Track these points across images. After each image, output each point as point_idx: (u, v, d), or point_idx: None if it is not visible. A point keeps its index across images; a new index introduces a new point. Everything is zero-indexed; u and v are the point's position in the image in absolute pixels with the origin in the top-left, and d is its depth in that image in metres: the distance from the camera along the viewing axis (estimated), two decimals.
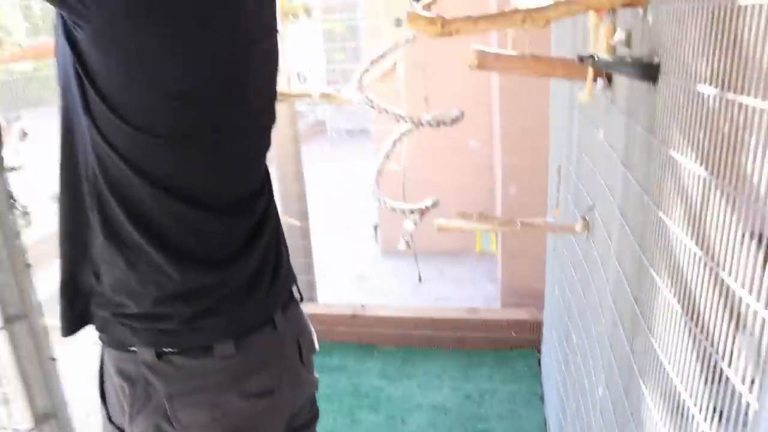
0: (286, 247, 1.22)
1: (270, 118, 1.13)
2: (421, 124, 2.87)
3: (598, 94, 1.68)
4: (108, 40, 0.86)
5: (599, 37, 1.50)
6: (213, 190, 1.01)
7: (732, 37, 0.78)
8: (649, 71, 1.13)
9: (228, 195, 1.04)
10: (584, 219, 1.93)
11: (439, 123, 2.85)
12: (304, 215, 3.51)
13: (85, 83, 0.88)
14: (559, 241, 2.74)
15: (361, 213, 5.44)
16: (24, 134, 4.17)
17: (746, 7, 0.73)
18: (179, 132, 0.93)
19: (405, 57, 2.96)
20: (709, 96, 0.88)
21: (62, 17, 0.88)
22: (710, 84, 0.88)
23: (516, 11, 1.29)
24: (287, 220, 3.35)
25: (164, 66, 0.88)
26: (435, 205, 3.18)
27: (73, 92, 0.91)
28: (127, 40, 0.86)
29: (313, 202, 3.72)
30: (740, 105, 0.76)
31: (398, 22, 3.21)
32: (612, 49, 1.42)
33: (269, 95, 1.12)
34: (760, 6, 0.69)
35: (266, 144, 1.14)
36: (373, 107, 2.84)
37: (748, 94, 0.74)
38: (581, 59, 1.20)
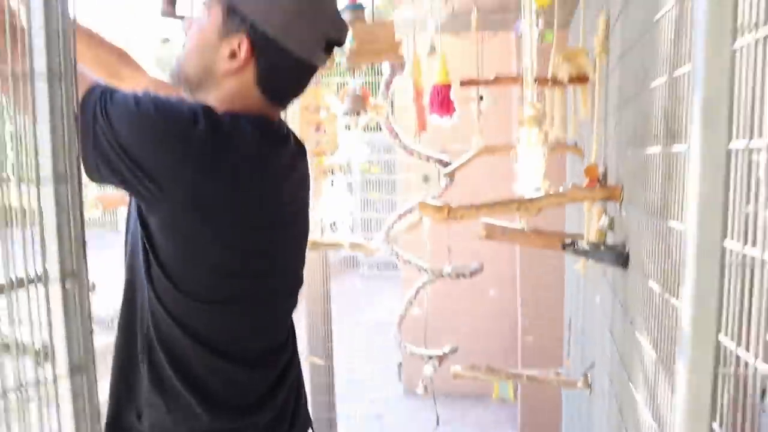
0: (304, 392, 1.38)
1: (298, 282, 1.33)
2: (442, 276, 3.09)
3: (592, 265, 1.90)
4: (170, 226, 1.06)
5: (592, 219, 1.74)
6: (244, 346, 1.19)
7: (673, 248, 1.00)
8: (620, 259, 1.34)
9: (257, 349, 1.21)
10: (585, 376, 2.08)
11: (458, 275, 3.07)
12: (329, 354, 3.67)
13: (150, 254, 1.08)
14: (570, 391, 2.84)
15: (387, 349, 5.54)
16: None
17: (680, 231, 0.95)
18: (220, 299, 1.13)
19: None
20: (656, 294, 1.08)
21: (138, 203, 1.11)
22: (657, 283, 1.08)
23: (512, 201, 1.55)
24: (312, 360, 3.50)
25: (212, 249, 1.09)
26: (453, 351, 3.33)
27: (139, 258, 1.11)
28: (185, 228, 1.06)
29: (340, 337, 3.87)
30: (673, 306, 0.96)
31: (426, 179, 3.52)
32: (599, 232, 1.65)
33: (299, 264, 1.33)
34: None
35: (294, 304, 1.34)
36: (398, 258, 3.08)
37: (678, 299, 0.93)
38: (563, 246, 1.43)
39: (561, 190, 1.54)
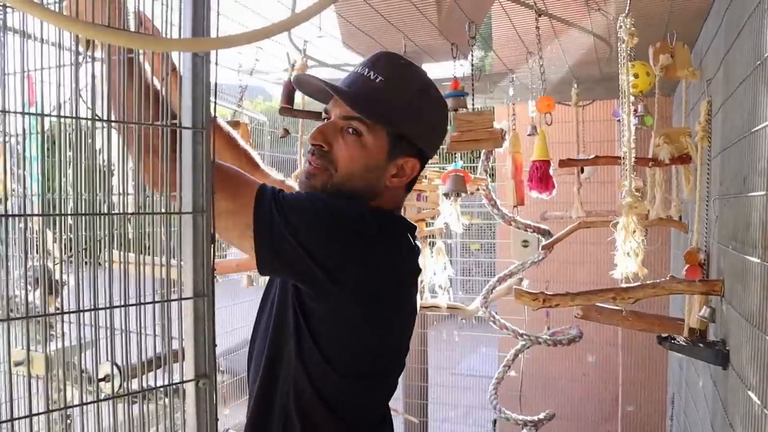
0: None
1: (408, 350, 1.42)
2: (539, 342, 3.08)
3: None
4: (335, 314, 1.14)
5: (693, 307, 1.73)
6: (373, 412, 1.28)
7: None
8: (720, 358, 1.34)
9: (380, 412, 1.31)
10: None
11: (555, 343, 3.05)
12: (423, 410, 3.71)
13: (304, 335, 1.15)
14: None
15: (482, 403, 5.49)
16: None
17: None
18: (367, 374, 1.21)
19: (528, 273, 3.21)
20: (756, 404, 1.09)
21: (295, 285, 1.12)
22: (757, 396, 1.09)
23: (608, 290, 1.58)
24: (406, 417, 3.55)
25: (371, 334, 1.18)
26: (550, 418, 3.29)
27: (287, 337, 1.18)
28: (350, 316, 1.15)
29: (435, 389, 3.88)
30: None
31: (525, 244, 3.54)
32: (700, 321, 1.64)
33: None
34: None
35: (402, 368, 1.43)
36: (495, 323, 3.10)
37: None
38: (660, 341, 1.44)
39: (660, 280, 1.55)
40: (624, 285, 1.60)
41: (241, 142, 1.46)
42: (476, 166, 2.99)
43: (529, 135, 2.44)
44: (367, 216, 1.12)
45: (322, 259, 1.06)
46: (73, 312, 0.80)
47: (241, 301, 4.00)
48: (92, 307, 0.80)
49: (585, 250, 4.31)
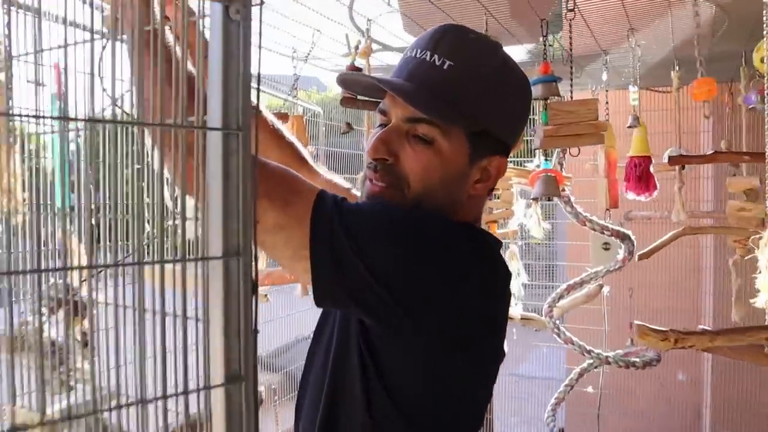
0: None
1: None
2: (608, 363, 2.72)
3: None
4: (414, 356, 0.91)
5: None
6: None
7: None
8: None
9: None
10: None
11: (628, 366, 2.67)
12: (487, 425, 3.43)
13: (374, 380, 0.93)
14: None
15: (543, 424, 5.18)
16: None
17: None
18: (444, 425, 0.98)
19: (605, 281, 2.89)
20: None
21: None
22: None
23: (760, 328, 1.24)
24: None
25: (456, 381, 0.95)
26: None
27: (351, 379, 0.96)
28: (433, 359, 0.91)
29: (498, 406, 3.61)
30: None
31: (606, 246, 3.19)
32: None
33: None
34: None
35: None
36: (559, 336, 2.77)
37: None
38: None
39: None
40: None
41: (287, 133, 1.20)
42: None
43: (629, 127, 2.09)
44: (458, 236, 0.91)
45: (400, 292, 0.84)
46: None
47: (296, 311, 3.74)
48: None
49: (665, 251, 3.93)
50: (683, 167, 2.39)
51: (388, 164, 0.91)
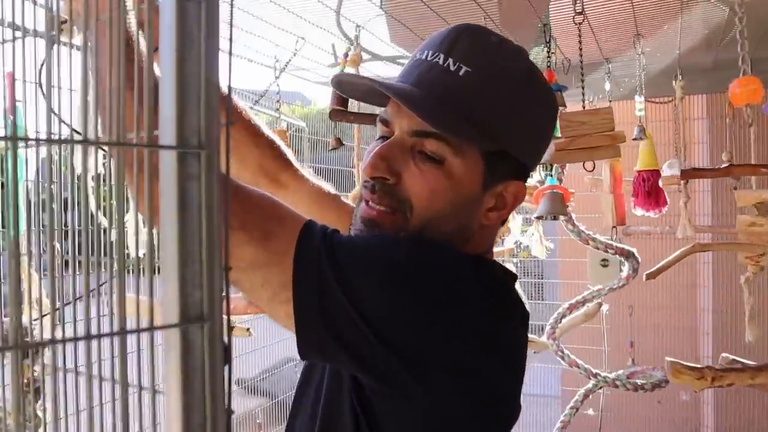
0: None
1: None
2: (615, 386, 2.59)
3: None
4: (417, 421, 0.78)
5: None
6: None
7: None
8: None
9: None
10: None
11: (636, 388, 2.54)
12: None
13: None
14: None
15: None
16: None
17: None
18: None
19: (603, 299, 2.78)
20: None
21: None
22: None
23: None
24: None
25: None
26: None
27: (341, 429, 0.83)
28: (442, 418, 0.78)
29: None
30: None
31: (604, 263, 3.07)
32: None
33: None
34: None
35: None
36: (563, 359, 2.64)
37: None
38: None
39: None
40: None
41: (265, 129, 1.03)
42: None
43: (634, 139, 1.96)
44: (468, 272, 0.77)
45: (400, 344, 0.71)
46: None
47: (280, 339, 3.56)
48: None
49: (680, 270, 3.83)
50: (687, 181, 2.27)
51: (389, 184, 0.78)
